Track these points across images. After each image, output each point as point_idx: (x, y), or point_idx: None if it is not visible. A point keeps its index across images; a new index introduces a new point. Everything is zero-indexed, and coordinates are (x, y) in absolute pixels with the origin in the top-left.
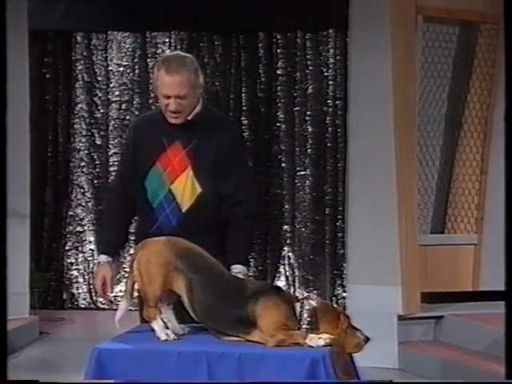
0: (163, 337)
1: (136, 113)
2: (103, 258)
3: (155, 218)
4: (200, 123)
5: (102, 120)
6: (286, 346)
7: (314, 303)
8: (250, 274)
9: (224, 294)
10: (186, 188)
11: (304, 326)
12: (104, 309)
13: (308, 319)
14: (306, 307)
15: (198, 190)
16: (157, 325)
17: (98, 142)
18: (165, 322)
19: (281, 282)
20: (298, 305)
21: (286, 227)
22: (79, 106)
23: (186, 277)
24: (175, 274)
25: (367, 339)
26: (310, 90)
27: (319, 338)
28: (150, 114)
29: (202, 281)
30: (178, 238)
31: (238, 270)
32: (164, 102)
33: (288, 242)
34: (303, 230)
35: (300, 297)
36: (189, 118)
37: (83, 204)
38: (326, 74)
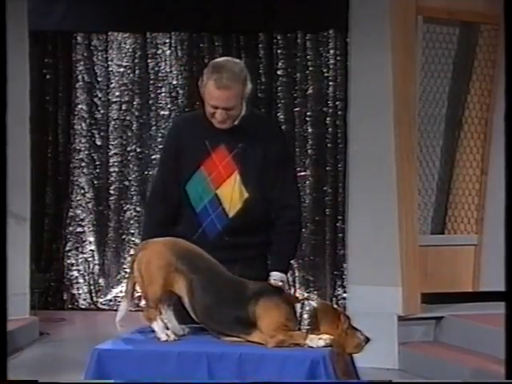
0: (163, 337)
1: (136, 113)
2: None
3: (199, 223)
4: (245, 126)
5: (103, 120)
6: (286, 347)
7: (314, 304)
8: None
9: (224, 295)
10: (233, 193)
11: (304, 327)
12: (104, 309)
13: (308, 320)
14: (307, 308)
15: (245, 194)
16: (157, 325)
17: (99, 143)
18: (165, 323)
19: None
20: (298, 305)
21: None
22: (79, 106)
23: (187, 277)
24: (176, 274)
25: (367, 340)
26: (310, 91)
27: (319, 339)
28: (192, 116)
29: (203, 281)
30: (179, 238)
31: (276, 277)
32: (210, 110)
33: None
34: (303, 230)
35: (300, 297)
36: (235, 122)
37: (83, 205)
38: (326, 74)
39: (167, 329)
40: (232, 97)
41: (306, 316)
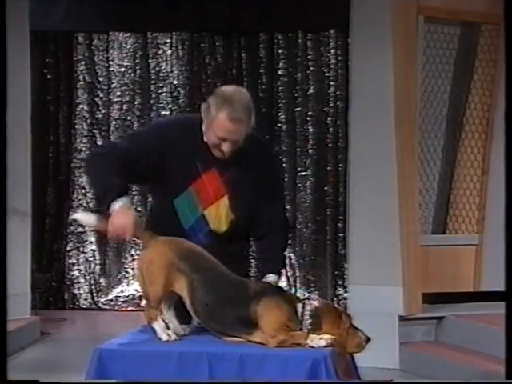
0: (164, 337)
1: (137, 113)
2: (120, 202)
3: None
4: (238, 151)
5: (104, 120)
6: (287, 347)
7: (315, 303)
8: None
9: (226, 295)
10: (220, 215)
11: (306, 327)
12: (105, 309)
13: (310, 320)
14: (308, 307)
15: (233, 216)
16: (158, 325)
17: (100, 143)
18: (166, 323)
19: (282, 283)
20: (299, 305)
21: None
22: (80, 106)
23: (188, 277)
24: (177, 274)
25: (368, 339)
26: (311, 91)
27: (320, 339)
28: (189, 128)
29: (204, 281)
30: (181, 238)
31: (271, 278)
32: (216, 141)
33: (289, 242)
34: (304, 230)
35: (301, 297)
36: None
37: (84, 205)
38: (327, 74)
39: (168, 329)
40: (242, 129)
41: (307, 316)
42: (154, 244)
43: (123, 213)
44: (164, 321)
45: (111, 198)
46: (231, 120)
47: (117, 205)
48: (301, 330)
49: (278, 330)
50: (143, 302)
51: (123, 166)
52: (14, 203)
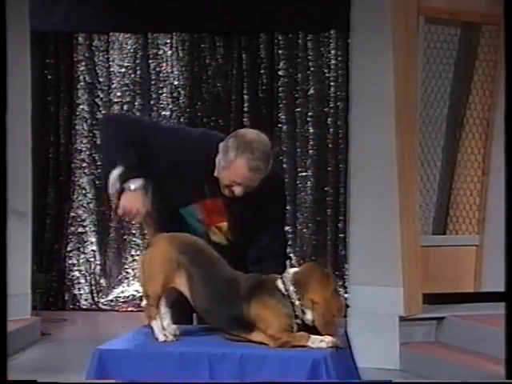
0: (161, 338)
1: (138, 114)
2: (136, 184)
3: None
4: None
5: None
6: (288, 348)
7: (293, 270)
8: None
9: (220, 293)
10: (221, 234)
11: (293, 296)
12: (105, 310)
13: (294, 283)
14: (289, 275)
15: (232, 238)
16: (156, 325)
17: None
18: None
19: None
20: (296, 303)
21: (287, 228)
22: (81, 106)
23: (187, 270)
24: (177, 270)
25: (347, 306)
26: (311, 91)
27: (321, 341)
28: (196, 151)
29: (202, 276)
30: (184, 233)
31: None
32: (228, 182)
33: (289, 242)
34: (305, 231)
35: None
36: None
37: (85, 205)
38: (327, 75)
39: (164, 329)
40: (258, 177)
41: (292, 280)
42: (156, 241)
43: (137, 195)
44: (162, 321)
45: (128, 177)
46: (249, 168)
47: (132, 186)
48: (299, 326)
49: (281, 333)
50: (143, 303)
51: (143, 148)
52: (14, 203)
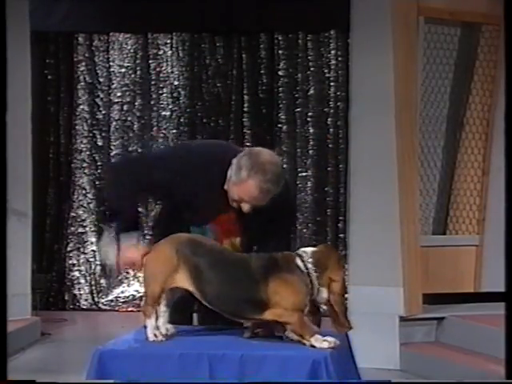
0: (151, 337)
1: (138, 114)
2: (133, 240)
3: None
4: None
5: (104, 121)
6: (296, 332)
7: (317, 248)
8: None
9: (232, 276)
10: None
11: (312, 273)
12: (105, 310)
13: (313, 261)
14: (310, 251)
15: (239, 249)
16: (150, 324)
17: (100, 143)
18: (157, 319)
19: None
20: (313, 273)
21: None
22: (81, 107)
23: (190, 264)
24: (177, 267)
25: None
26: (311, 92)
27: (324, 341)
28: (210, 169)
29: (208, 263)
30: (181, 233)
31: None
32: (236, 198)
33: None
34: (305, 231)
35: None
36: None
37: (85, 205)
38: (327, 75)
39: (157, 329)
40: (268, 198)
41: (310, 260)
42: (158, 244)
43: (134, 248)
44: (157, 321)
45: (126, 230)
46: (260, 190)
47: (129, 240)
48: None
49: (296, 310)
50: (143, 302)
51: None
52: (14, 203)
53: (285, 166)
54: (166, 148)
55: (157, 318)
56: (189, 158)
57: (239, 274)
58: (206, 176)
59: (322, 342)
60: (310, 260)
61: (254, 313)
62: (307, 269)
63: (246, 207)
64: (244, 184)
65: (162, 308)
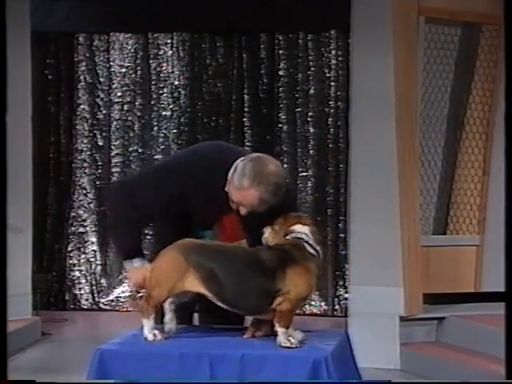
0: (150, 337)
1: (138, 114)
2: (139, 263)
3: None
4: None
5: (104, 121)
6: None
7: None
8: None
9: (248, 272)
10: None
11: None
12: (106, 310)
13: (316, 241)
14: (308, 230)
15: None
16: (148, 324)
17: (100, 143)
18: (163, 315)
19: None
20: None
21: None
22: (81, 107)
23: (202, 267)
24: (186, 272)
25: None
26: (311, 91)
27: (288, 338)
28: (213, 173)
29: (222, 266)
30: (189, 238)
31: None
32: (235, 200)
33: None
34: None
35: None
36: None
37: (85, 205)
38: (327, 75)
39: (163, 324)
40: (265, 207)
41: (312, 242)
42: (162, 252)
43: (141, 271)
44: (155, 321)
45: (132, 256)
46: (260, 200)
47: (135, 264)
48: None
49: (300, 300)
50: (138, 296)
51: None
52: (16, 203)
53: (285, 165)
54: (168, 162)
55: (163, 315)
56: (190, 168)
57: (254, 270)
58: (210, 182)
59: (286, 338)
60: (312, 242)
61: (269, 305)
62: (317, 251)
63: (243, 210)
64: (245, 191)
65: (169, 305)
